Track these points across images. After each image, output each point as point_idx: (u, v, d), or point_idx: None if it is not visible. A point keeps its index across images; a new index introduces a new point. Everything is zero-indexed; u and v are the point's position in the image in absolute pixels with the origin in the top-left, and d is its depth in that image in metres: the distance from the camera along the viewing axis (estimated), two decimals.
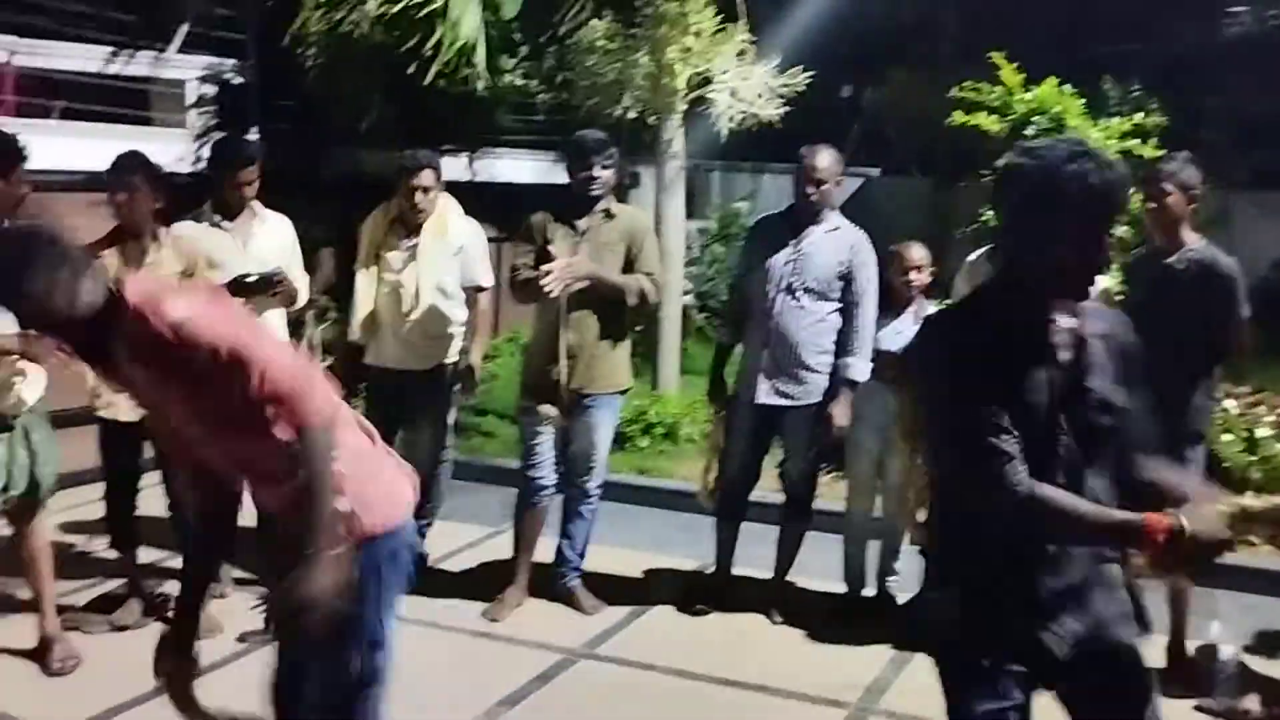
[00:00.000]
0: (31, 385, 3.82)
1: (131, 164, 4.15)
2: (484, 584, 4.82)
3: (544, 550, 4.83)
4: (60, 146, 6.22)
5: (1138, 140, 6.09)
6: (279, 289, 4.41)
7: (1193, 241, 3.97)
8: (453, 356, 4.77)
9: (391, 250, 4.66)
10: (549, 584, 4.68)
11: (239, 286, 4.23)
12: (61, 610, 4.16)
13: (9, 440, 3.81)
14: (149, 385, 2.37)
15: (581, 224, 4.42)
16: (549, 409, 4.46)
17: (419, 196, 4.56)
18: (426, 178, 4.57)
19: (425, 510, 4.91)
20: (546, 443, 4.52)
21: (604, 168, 4.39)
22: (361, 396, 4.82)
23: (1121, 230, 6.01)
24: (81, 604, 4.45)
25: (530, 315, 4.80)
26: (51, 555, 4.05)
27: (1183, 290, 3.91)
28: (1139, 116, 6.25)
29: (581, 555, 4.68)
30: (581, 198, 4.41)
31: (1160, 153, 5.83)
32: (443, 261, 4.64)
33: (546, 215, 4.48)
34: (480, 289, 4.79)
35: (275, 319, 4.60)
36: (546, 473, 4.53)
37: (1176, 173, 3.93)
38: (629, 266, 4.42)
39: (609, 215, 4.44)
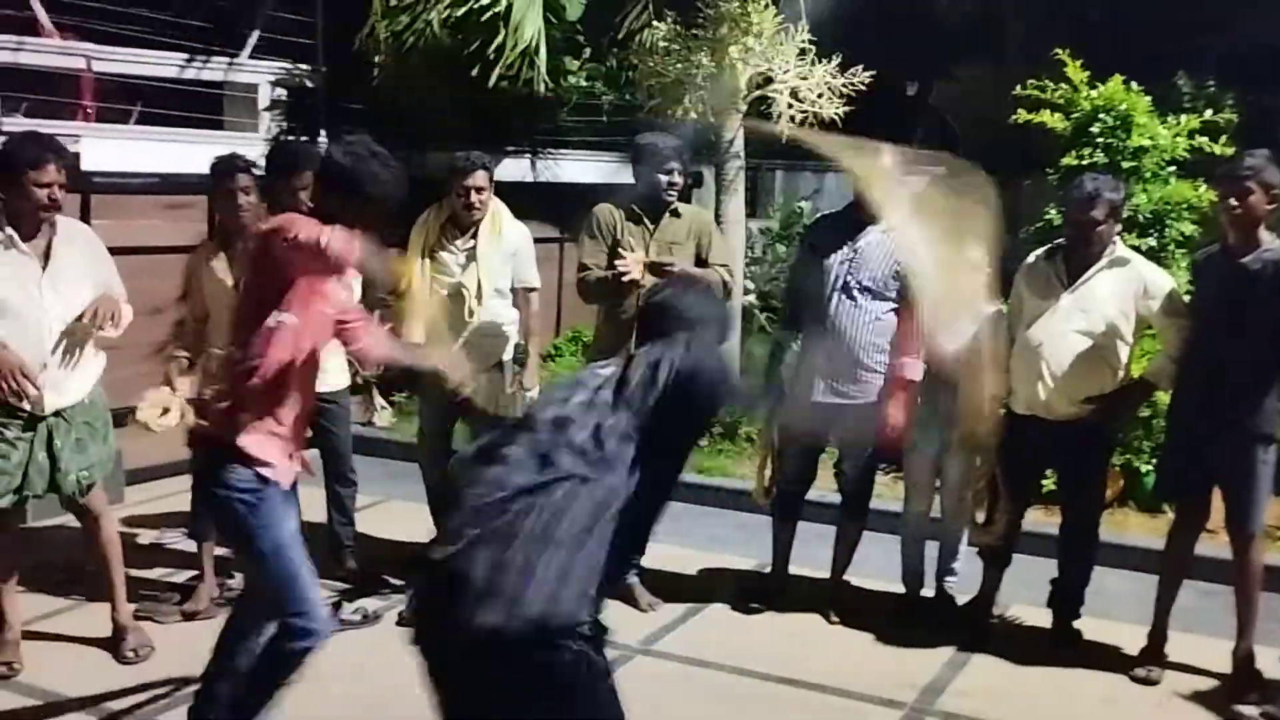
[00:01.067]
0: (58, 390, 3.80)
1: (236, 166, 4.25)
2: None
3: None
4: (138, 150, 6.41)
5: (1208, 138, 5.97)
6: None
7: (1268, 241, 3.90)
8: (508, 355, 4.84)
9: (444, 252, 4.69)
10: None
11: None
12: (134, 599, 4.31)
13: (30, 442, 3.78)
14: None
15: (650, 221, 4.50)
16: None
17: (474, 197, 4.62)
18: (480, 178, 4.63)
19: None
20: None
21: (680, 173, 4.48)
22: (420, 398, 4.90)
23: (1189, 228, 5.91)
24: (154, 593, 4.60)
25: (590, 315, 4.85)
26: (120, 547, 4.13)
27: (1257, 290, 3.85)
28: (1209, 113, 6.12)
29: (639, 553, 4.71)
30: (655, 200, 4.48)
31: (1230, 150, 5.72)
32: (499, 262, 4.71)
33: (615, 212, 4.54)
34: (531, 289, 4.86)
35: None
36: None
37: (1260, 171, 3.86)
38: (699, 262, 4.49)
39: (676, 214, 4.53)
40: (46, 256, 3.76)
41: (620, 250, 4.42)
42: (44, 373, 3.73)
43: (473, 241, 4.70)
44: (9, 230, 3.70)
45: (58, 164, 3.69)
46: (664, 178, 4.45)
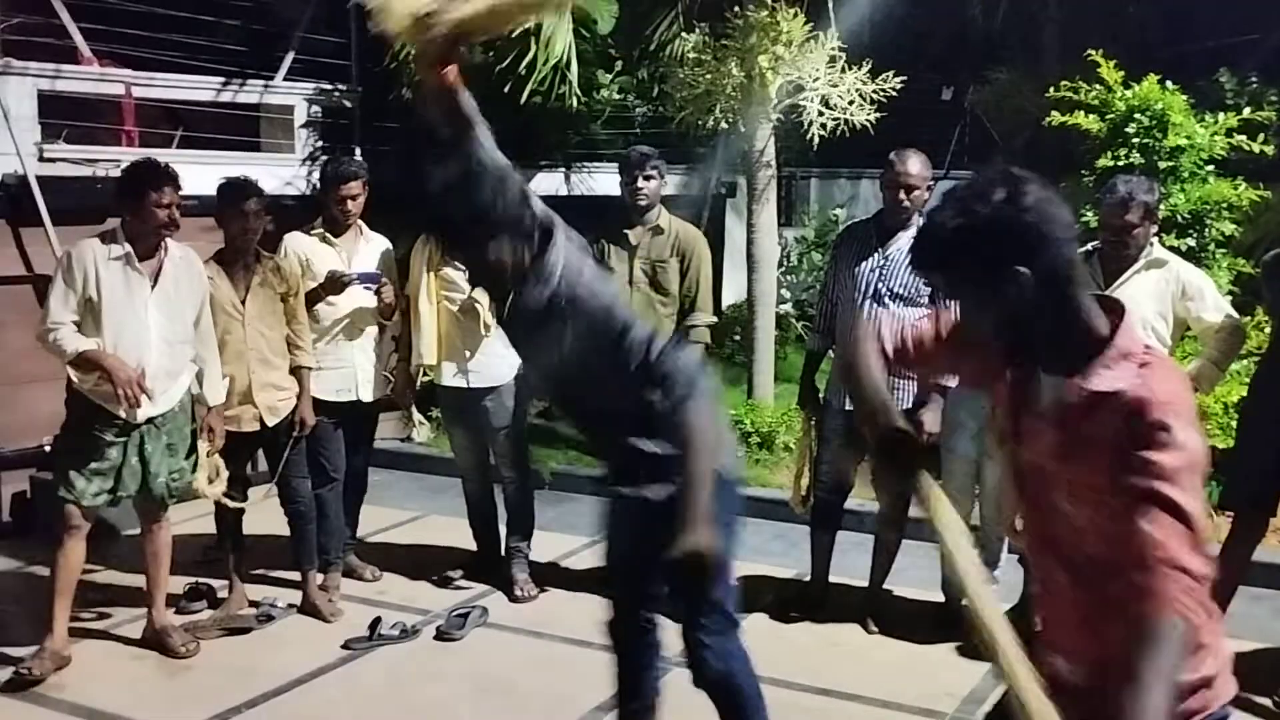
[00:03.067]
0: (153, 400, 4.03)
1: (247, 190, 4.38)
2: (581, 592, 4.88)
3: None
4: (180, 173, 6.47)
5: (1246, 136, 5.88)
6: (378, 291, 4.66)
7: None
8: (520, 369, 4.85)
9: (451, 269, 4.70)
10: None
11: (332, 283, 4.53)
12: (178, 612, 4.40)
13: (124, 446, 4.04)
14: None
15: (632, 238, 4.54)
16: None
17: None
18: None
19: (519, 527, 5.00)
20: None
21: (647, 178, 4.57)
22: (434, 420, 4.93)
23: (1229, 228, 5.82)
24: (185, 604, 4.67)
25: None
26: (170, 553, 4.31)
27: None
28: (1248, 110, 6.03)
29: None
30: (630, 208, 4.61)
31: (1270, 148, 5.64)
32: None
33: (604, 228, 4.68)
34: None
35: (370, 334, 4.79)
36: None
37: None
38: (683, 280, 4.55)
39: (658, 230, 4.59)
40: (156, 276, 4.03)
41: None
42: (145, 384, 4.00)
43: None
44: (127, 247, 3.96)
45: (174, 186, 3.98)
46: (628, 186, 4.59)
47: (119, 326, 3.94)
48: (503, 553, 5.02)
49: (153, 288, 4.01)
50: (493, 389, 4.78)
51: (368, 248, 4.80)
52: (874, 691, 4.00)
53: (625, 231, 4.63)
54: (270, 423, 4.43)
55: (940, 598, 4.69)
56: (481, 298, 4.68)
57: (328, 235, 4.74)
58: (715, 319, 4.58)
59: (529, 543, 5.01)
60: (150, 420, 4.07)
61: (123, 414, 3.94)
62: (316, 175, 6.75)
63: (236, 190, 4.39)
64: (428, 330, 4.77)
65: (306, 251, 4.69)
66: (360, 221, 4.78)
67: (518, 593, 4.86)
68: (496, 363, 4.73)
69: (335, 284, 4.55)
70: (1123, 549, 1.72)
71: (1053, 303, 1.78)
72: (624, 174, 4.62)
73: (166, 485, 4.17)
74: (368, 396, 4.81)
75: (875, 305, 4.33)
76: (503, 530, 5.06)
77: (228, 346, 4.32)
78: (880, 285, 4.32)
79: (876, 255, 4.35)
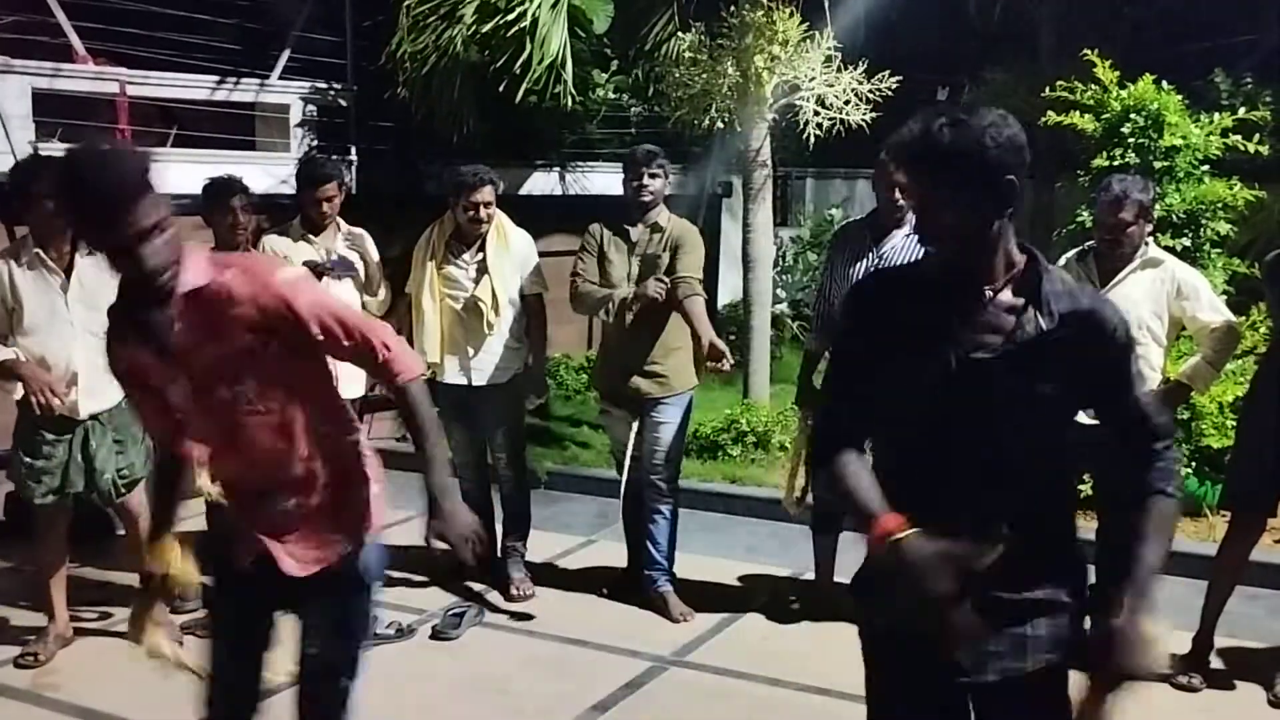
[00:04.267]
0: (91, 396, 4.05)
1: (233, 188, 4.38)
2: (576, 592, 4.89)
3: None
4: (174, 172, 6.44)
5: (1241, 136, 5.89)
6: (343, 275, 4.71)
7: None
8: (519, 367, 4.87)
9: (453, 266, 4.77)
10: (640, 589, 4.73)
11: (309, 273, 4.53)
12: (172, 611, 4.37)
13: (68, 444, 4.08)
14: (201, 358, 2.31)
15: (634, 235, 4.60)
16: (622, 412, 4.67)
17: (482, 211, 4.70)
18: (487, 193, 4.71)
19: (515, 526, 5.02)
20: (624, 434, 4.72)
21: (652, 176, 4.59)
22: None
23: (1224, 227, 5.83)
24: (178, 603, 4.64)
25: (573, 334, 4.91)
26: None
27: None
28: (1243, 110, 6.04)
29: (669, 560, 4.72)
30: (634, 206, 4.62)
31: (1264, 148, 5.64)
32: (510, 272, 4.77)
33: (602, 226, 4.71)
34: (539, 296, 4.90)
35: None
36: (626, 460, 4.71)
37: None
38: (673, 267, 4.55)
39: (658, 228, 4.61)
40: (68, 273, 4.02)
41: (606, 265, 4.62)
42: (78, 381, 4.01)
43: (481, 254, 4.76)
44: (36, 250, 3.98)
45: (60, 184, 3.84)
46: (633, 183, 4.60)
47: (44, 328, 3.98)
48: (498, 553, 5.01)
49: (67, 284, 4.01)
50: (494, 387, 4.79)
51: (345, 244, 4.85)
52: None
53: (627, 228, 4.63)
54: None
55: None
56: (485, 296, 4.71)
57: (306, 235, 4.78)
58: (702, 282, 4.59)
59: (525, 542, 5.02)
60: (94, 417, 4.09)
61: (65, 412, 4.00)
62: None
63: (221, 188, 4.42)
64: (431, 327, 4.78)
65: (286, 250, 4.71)
66: (339, 219, 4.84)
67: (514, 591, 4.85)
68: (498, 361, 4.75)
69: (312, 274, 4.56)
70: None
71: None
72: (628, 171, 4.62)
73: (113, 482, 4.16)
74: (350, 394, 4.77)
75: None
76: (498, 530, 5.06)
77: None
78: None
79: (871, 255, 4.35)
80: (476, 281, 4.75)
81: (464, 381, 4.79)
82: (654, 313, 4.55)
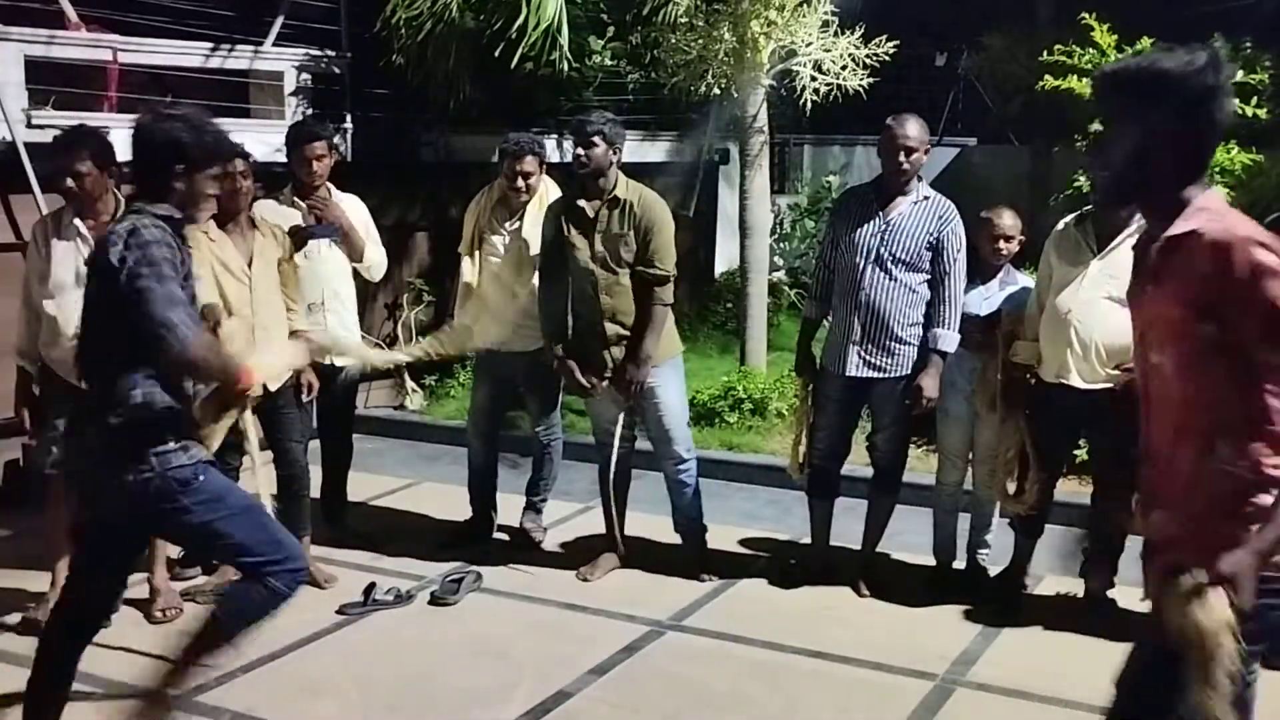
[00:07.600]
0: None
1: (234, 151, 4.34)
2: (574, 558, 4.91)
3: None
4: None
5: (1240, 99, 5.87)
6: (328, 238, 4.67)
7: None
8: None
9: (494, 234, 4.82)
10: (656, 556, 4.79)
11: (292, 238, 4.54)
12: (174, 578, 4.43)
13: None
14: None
15: (589, 210, 4.44)
16: (602, 384, 4.55)
17: (521, 181, 4.70)
18: (530, 163, 4.73)
19: (539, 488, 5.09)
20: (611, 414, 4.63)
21: (586, 147, 4.36)
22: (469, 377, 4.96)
23: (1223, 193, 5.82)
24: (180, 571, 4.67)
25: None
26: None
27: None
28: (1241, 74, 6.01)
29: (697, 519, 4.77)
30: (574, 177, 4.49)
31: (1262, 112, 5.62)
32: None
33: (563, 201, 4.58)
34: None
35: (344, 297, 4.80)
36: (615, 441, 4.63)
37: None
38: (644, 253, 4.41)
39: (615, 202, 4.43)
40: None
41: (570, 251, 4.43)
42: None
43: (519, 223, 4.76)
44: (74, 220, 4.11)
45: (97, 153, 4.07)
46: (574, 157, 4.42)
47: (67, 292, 4.02)
48: (496, 516, 5.08)
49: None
50: (523, 354, 4.79)
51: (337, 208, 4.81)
52: (866, 654, 4.03)
53: (580, 204, 4.45)
54: (273, 388, 4.41)
55: (932, 561, 4.73)
56: (508, 265, 4.72)
57: (295, 199, 4.73)
58: (672, 274, 4.47)
59: (546, 499, 5.21)
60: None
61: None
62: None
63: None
64: (467, 291, 4.84)
65: (275, 216, 4.67)
66: (329, 184, 4.78)
67: (535, 536, 5.07)
68: (524, 329, 4.72)
69: (295, 239, 4.55)
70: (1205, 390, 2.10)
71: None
72: (573, 143, 4.46)
73: None
74: (343, 362, 4.78)
75: (877, 269, 4.31)
76: (500, 498, 5.11)
77: (234, 312, 4.27)
78: (882, 250, 4.30)
79: (878, 219, 4.33)
80: (508, 250, 4.76)
81: (495, 347, 4.80)
82: (623, 294, 4.44)
